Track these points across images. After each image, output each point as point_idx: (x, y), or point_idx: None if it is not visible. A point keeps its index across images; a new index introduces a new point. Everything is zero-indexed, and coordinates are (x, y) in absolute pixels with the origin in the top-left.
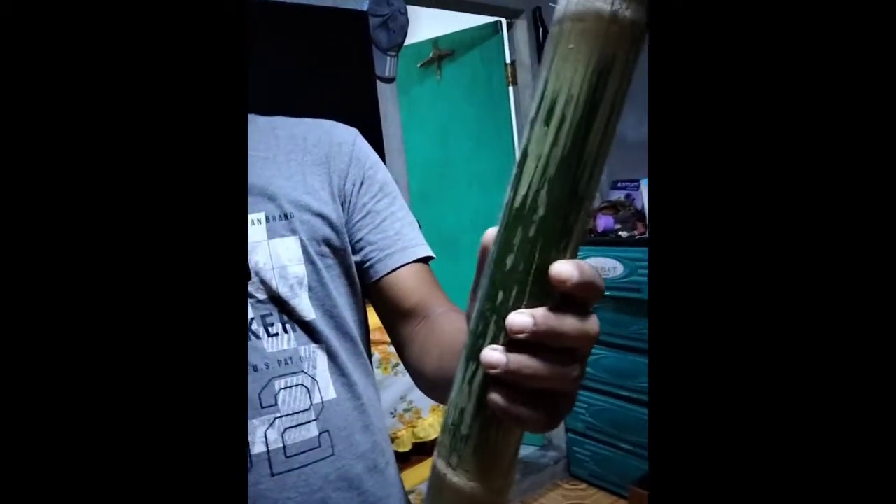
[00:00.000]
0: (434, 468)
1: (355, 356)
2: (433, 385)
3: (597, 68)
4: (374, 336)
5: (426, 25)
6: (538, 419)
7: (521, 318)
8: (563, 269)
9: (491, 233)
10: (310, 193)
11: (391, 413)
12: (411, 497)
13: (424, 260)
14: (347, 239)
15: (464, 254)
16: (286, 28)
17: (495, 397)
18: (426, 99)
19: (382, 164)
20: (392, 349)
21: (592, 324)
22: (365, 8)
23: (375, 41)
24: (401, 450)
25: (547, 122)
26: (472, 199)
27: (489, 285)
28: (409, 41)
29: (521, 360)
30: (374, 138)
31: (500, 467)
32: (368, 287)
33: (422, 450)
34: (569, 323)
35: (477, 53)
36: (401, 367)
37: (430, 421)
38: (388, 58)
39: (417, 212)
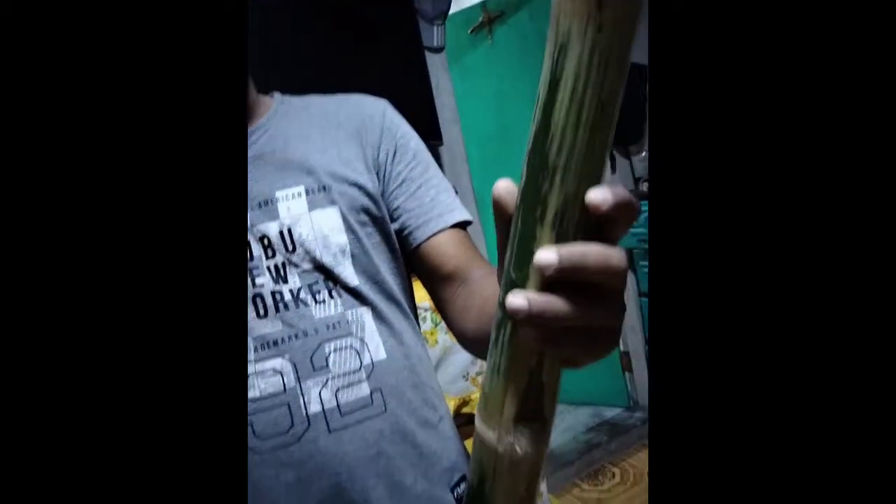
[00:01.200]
0: (481, 439)
1: (402, 318)
2: (474, 343)
3: (556, 42)
4: None
5: None
6: (575, 355)
7: (546, 254)
8: (597, 194)
9: (501, 185)
10: (345, 165)
11: (464, 377)
12: None
13: (462, 225)
14: (385, 208)
15: None
16: (330, 7)
17: (526, 333)
18: (480, 65)
19: (414, 133)
20: None
21: (616, 256)
22: None
23: (420, 12)
24: (473, 412)
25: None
26: None
27: (515, 236)
28: (456, 8)
29: (544, 302)
30: (428, 111)
31: (534, 426)
32: (408, 254)
33: None
34: (592, 256)
35: (526, 13)
36: None
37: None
38: (435, 27)
39: (478, 183)
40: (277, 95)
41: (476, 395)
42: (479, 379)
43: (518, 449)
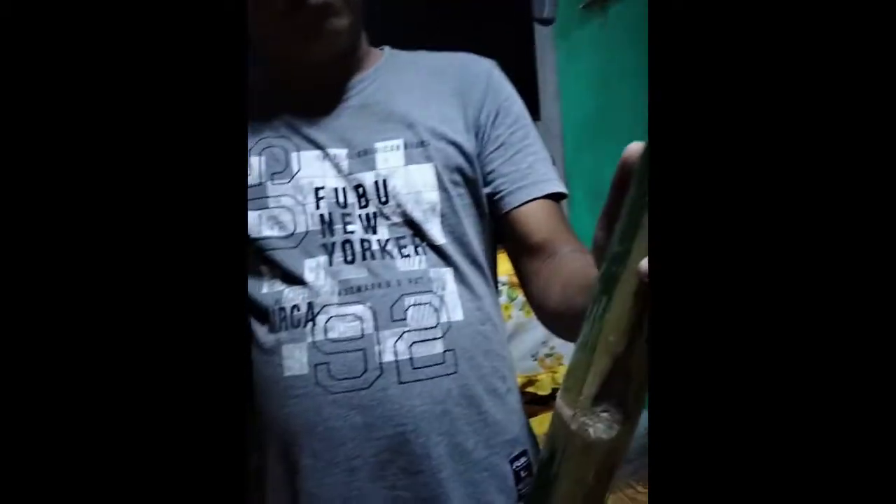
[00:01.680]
0: (557, 414)
1: (483, 283)
2: (555, 318)
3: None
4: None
5: None
6: None
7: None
8: None
9: (634, 146)
10: (445, 123)
11: (532, 356)
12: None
13: (556, 197)
14: (479, 170)
15: None
16: None
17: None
18: (587, 44)
19: (518, 98)
20: None
21: None
22: None
23: None
24: (539, 392)
25: None
26: None
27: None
28: None
29: None
30: (529, 83)
31: (614, 413)
32: (497, 220)
33: None
34: None
35: None
36: None
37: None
38: None
39: (570, 162)
40: (387, 49)
41: (542, 376)
42: (548, 361)
43: (591, 432)
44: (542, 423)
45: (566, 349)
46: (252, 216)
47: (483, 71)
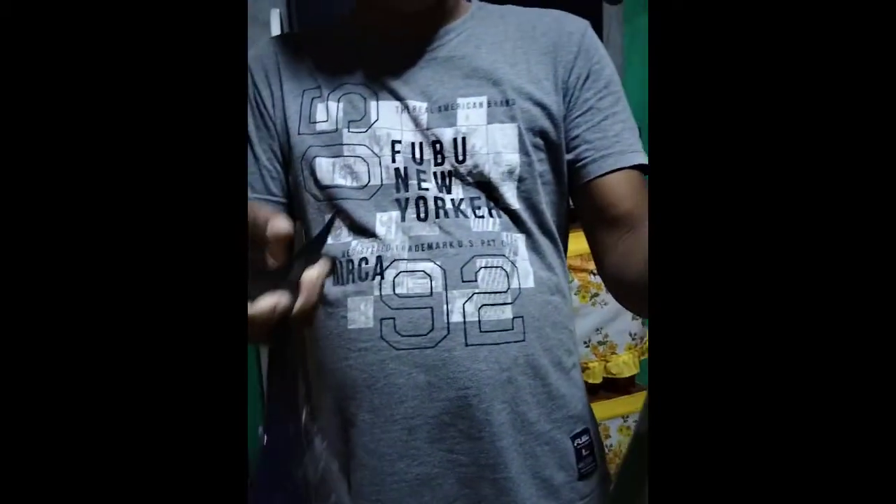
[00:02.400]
0: None
1: (555, 253)
2: (631, 291)
3: None
4: (574, 263)
5: None
6: None
7: None
8: None
9: None
10: (533, 82)
11: (585, 343)
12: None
13: (642, 169)
14: (563, 135)
15: None
16: None
17: None
18: None
19: (611, 62)
20: (593, 278)
21: None
22: None
23: None
24: (590, 381)
25: None
26: None
27: None
28: None
29: None
30: None
31: None
32: (577, 188)
33: (612, 386)
34: None
35: None
36: (599, 297)
37: (625, 358)
38: None
39: None
40: (475, 1)
41: (594, 363)
42: (601, 349)
43: None
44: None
45: (620, 338)
46: (325, 163)
47: (577, 30)
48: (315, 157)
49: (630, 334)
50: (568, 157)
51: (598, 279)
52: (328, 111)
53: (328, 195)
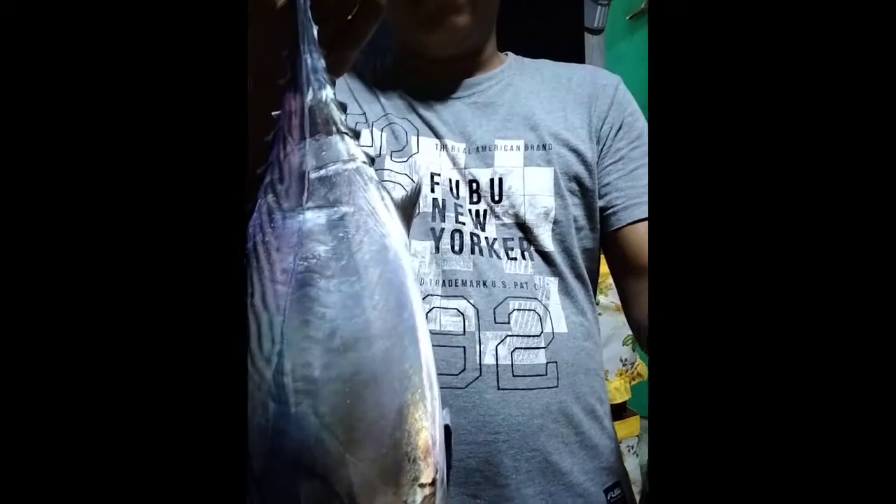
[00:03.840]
0: None
1: (586, 298)
2: None
3: None
4: None
5: None
6: None
7: None
8: None
9: None
10: (569, 130)
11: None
12: None
13: None
14: (597, 181)
15: None
16: None
17: None
18: (633, 55)
19: (642, 116)
20: None
21: None
22: None
23: None
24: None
25: None
26: None
27: None
28: None
29: None
30: None
31: None
32: (607, 234)
33: None
34: None
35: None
36: None
37: (617, 384)
38: (600, 7)
39: None
40: (511, 54)
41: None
42: (616, 382)
43: None
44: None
45: (612, 364)
46: None
47: (611, 83)
48: None
49: (621, 360)
50: (599, 203)
51: None
52: (372, 137)
53: None
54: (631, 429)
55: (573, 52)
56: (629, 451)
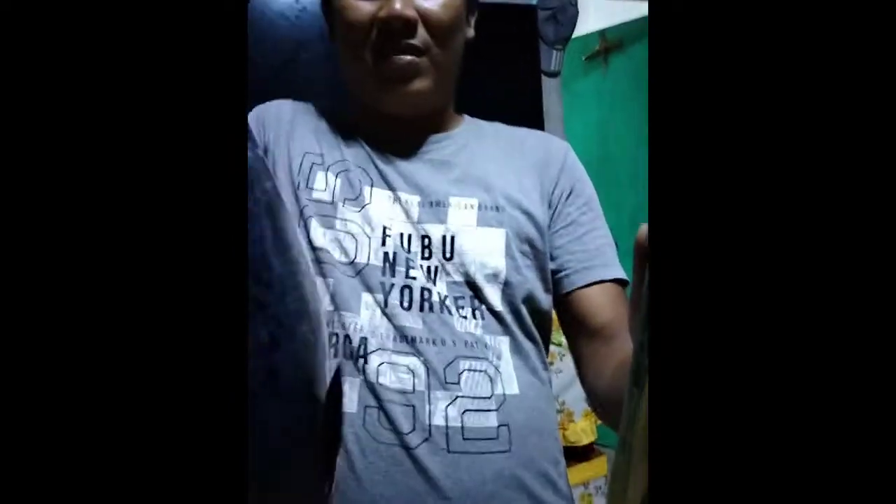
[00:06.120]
0: None
1: (538, 358)
2: (604, 405)
3: None
4: None
5: (593, 17)
6: None
7: None
8: None
9: (645, 228)
10: (522, 192)
11: None
12: None
13: (621, 283)
14: (548, 244)
15: (620, 254)
16: None
17: None
18: (589, 93)
19: (590, 183)
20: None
21: None
22: (534, 2)
23: (542, 35)
24: None
25: None
26: (632, 198)
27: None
28: (575, 34)
29: None
30: None
31: None
32: (559, 297)
33: (570, 454)
34: None
35: (644, 46)
36: (554, 365)
37: (583, 425)
38: (555, 52)
39: None
40: (467, 116)
41: None
42: (559, 417)
43: None
44: None
45: (577, 405)
46: (318, 230)
47: (561, 149)
48: (311, 216)
49: (586, 400)
50: (551, 265)
51: (554, 349)
52: (326, 182)
53: (317, 257)
54: (598, 469)
55: (530, 95)
56: (597, 491)
